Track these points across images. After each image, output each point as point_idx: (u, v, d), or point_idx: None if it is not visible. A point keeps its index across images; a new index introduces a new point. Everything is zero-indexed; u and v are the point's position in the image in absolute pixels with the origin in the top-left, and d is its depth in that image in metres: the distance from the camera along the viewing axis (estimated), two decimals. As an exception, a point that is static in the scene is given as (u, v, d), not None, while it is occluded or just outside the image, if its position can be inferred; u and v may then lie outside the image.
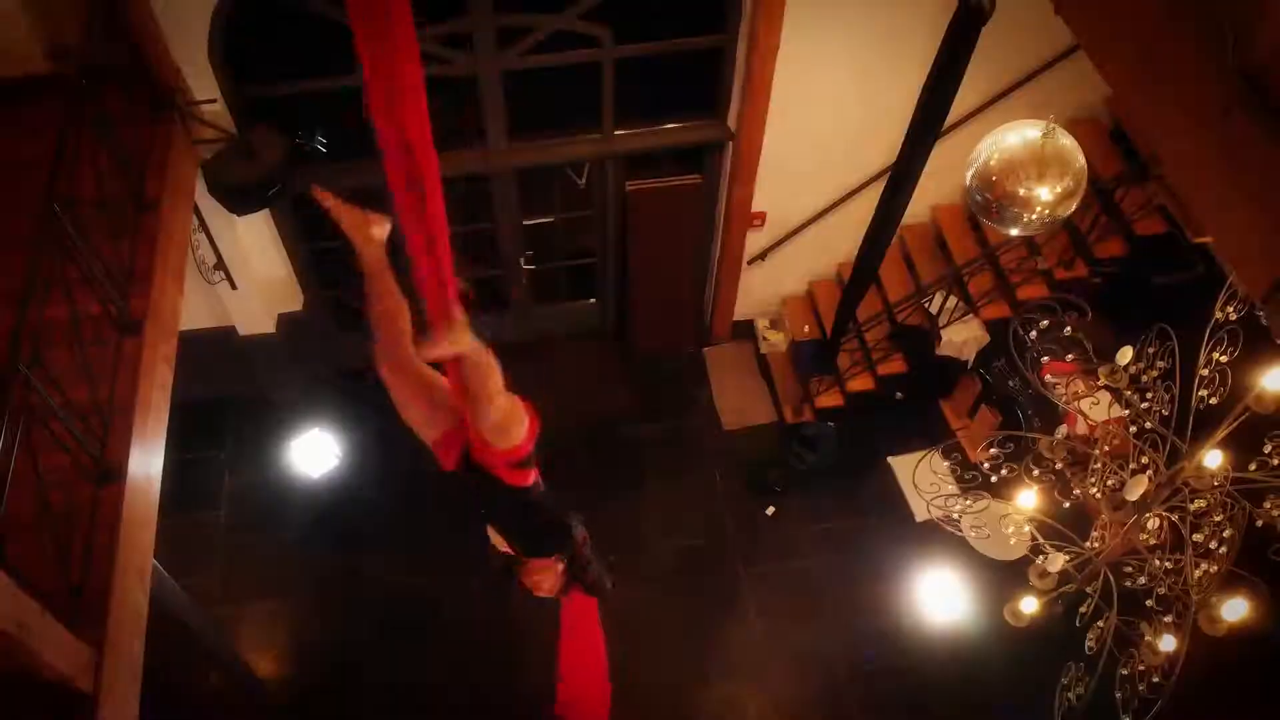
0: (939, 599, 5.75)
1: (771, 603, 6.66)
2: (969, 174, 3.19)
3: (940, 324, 6.80)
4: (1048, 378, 6.87)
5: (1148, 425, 3.03)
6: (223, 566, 6.72)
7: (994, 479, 3.81)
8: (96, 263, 4.18)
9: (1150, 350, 3.06)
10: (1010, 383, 7.13)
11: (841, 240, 7.21)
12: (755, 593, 6.70)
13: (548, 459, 2.93)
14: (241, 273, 6.42)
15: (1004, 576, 6.50)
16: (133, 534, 3.81)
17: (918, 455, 7.36)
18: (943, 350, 6.87)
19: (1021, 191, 3.00)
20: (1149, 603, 3.15)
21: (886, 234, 5.87)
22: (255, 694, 6.22)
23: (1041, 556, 3.50)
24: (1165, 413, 3.00)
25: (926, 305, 6.87)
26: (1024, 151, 2.96)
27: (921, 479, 3.94)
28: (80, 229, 4.09)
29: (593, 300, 7.76)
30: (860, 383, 7.18)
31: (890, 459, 7.16)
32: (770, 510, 7.09)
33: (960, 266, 6.57)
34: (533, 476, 2.83)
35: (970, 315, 6.80)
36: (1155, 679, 2.97)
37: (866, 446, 7.26)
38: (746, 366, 7.84)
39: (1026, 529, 3.76)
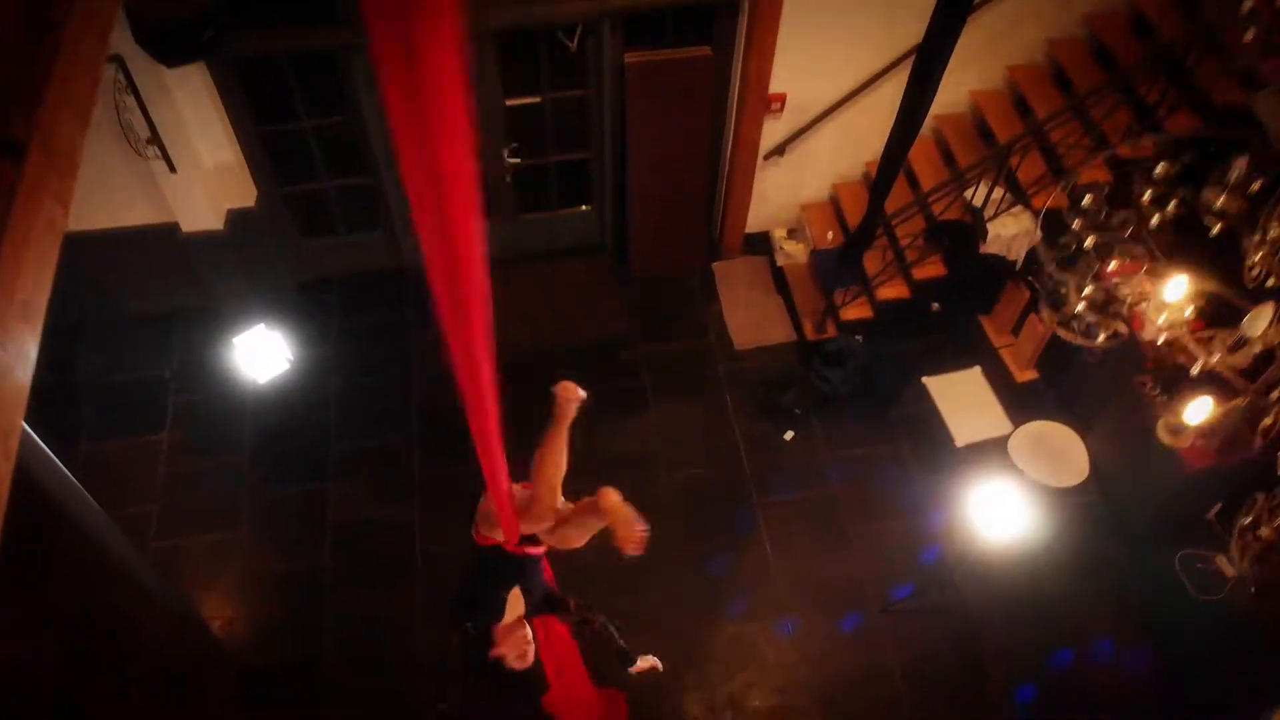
0: (994, 518, 4.88)
1: (791, 535, 5.80)
2: None
3: (986, 217, 5.94)
4: (1112, 280, 6.06)
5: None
6: (164, 495, 5.87)
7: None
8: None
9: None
10: (1062, 290, 6.30)
11: (869, 131, 6.34)
12: (772, 524, 5.84)
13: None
14: (182, 154, 5.57)
15: (1061, 503, 5.67)
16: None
17: (956, 375, 6.53)
18: (989, 248, 6.01)
19: None
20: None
21: (919, 114, 5.04)
22: (204, 644, 5.37)
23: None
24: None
25: (969, 198, 6.01)
26: None
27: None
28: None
29: (587, 207, 6.90)
30: (892, 290, 6.32)
31: (926, 380, 6.29)
32: (789, 435, 6.23)
33: (1006, 144, 5.70)
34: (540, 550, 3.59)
35: (1019, 207, 5.94)
36: None
37: (898, 366, 6.39)
38: (760, 282, 6.98)
39: (1186, 313, 2.89)
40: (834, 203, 6.87)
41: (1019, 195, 5.93)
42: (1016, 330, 6.48)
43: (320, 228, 6.60)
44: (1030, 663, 5.38)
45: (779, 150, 6.45)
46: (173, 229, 6.03)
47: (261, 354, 5.14)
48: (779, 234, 6.96)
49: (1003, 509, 4.78)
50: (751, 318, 6.79)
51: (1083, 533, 5.78)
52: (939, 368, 6.34)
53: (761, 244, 7.12)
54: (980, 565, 5.49)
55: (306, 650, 5.38)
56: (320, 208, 6.49)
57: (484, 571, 3.56)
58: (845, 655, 5.36)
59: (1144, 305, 5.90)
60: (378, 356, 6.52)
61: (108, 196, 5.81)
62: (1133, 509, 5.76)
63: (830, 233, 6.69)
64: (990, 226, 5.92)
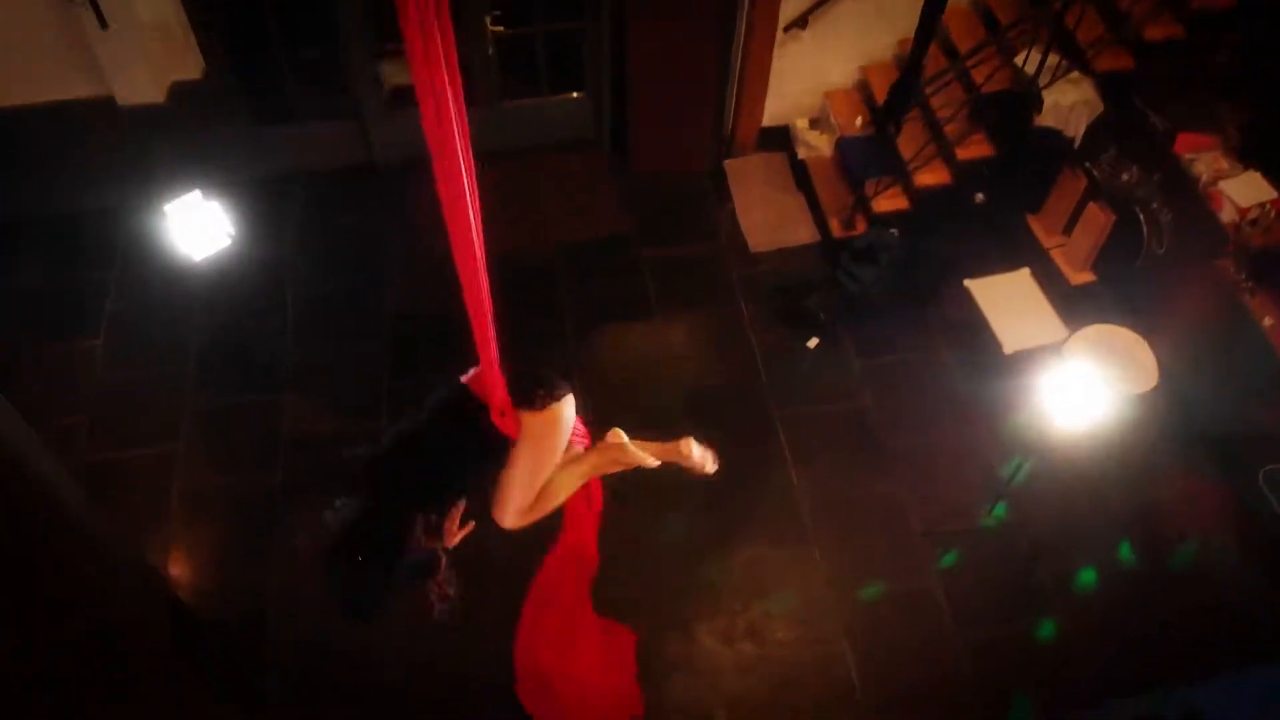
0: (1069, 407, 4.12)
1: (817, 451, 5.05)
2: None
3: (1040, 85, 5.16)
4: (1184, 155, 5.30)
5: None
6: (95, 403, 5.14)
7: None
8: None
9: None
10: (1125, 175, 5.53)
11: (901, 3, 5.58)
12: (793, 439, 5.09)
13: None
14: (115, 6, 4.82)
15: (1126, 415, 4.90)
16: None
17: (1003, 277, 5.78)
18: (1044, 120, 5.24)
19: None
20: None
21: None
22: (140, 573, 4.63)
23: None
24: None
25: (1020, 65, 5.23)
26: None
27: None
28: None
29: (579, 94, 6.13)
30: (932, 174, 5.54)
31: (968, 283, 5.52)
32: (813, 342, 5.48)
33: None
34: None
35: (1077, 73, 5.17)
36: None
37: (935, 267, 5.64)
38: (779, 179, 6.22)
39: None
40: (863, 88, 6.10)
41: (1077, 59, 5.15)
42: (1069, 229, 5.71)
43: (279, 113, 5.84)
44: (1094, 587, 4.65)
45: (800, 21, 5.67)
46: (108, 103, 5.28)
47: (198, 226, 4.39)
48: (800, 124, 6.19)
49: (1074, 396, 4.04)
50: (769, 217, 6.03)
51: (1152, 448, 5.03)
52: (983, 269, 5.58)
53: (779, 141, 6.35)
54: (1036, 480, 4.75)
55: (253, 576, 4.64)
56: (278, 88, 5.72)
57: (463, 442, 2.77)
58: (880, 583, 4.62)
59: (1221, 183, 5.16)
60: (346, 258, 5.79)
61: (32, 60, 5.07)
62: (1211, 419, 5.00)
63: (859, 118, 5.92)
64: (1045, 95, 5.15)
